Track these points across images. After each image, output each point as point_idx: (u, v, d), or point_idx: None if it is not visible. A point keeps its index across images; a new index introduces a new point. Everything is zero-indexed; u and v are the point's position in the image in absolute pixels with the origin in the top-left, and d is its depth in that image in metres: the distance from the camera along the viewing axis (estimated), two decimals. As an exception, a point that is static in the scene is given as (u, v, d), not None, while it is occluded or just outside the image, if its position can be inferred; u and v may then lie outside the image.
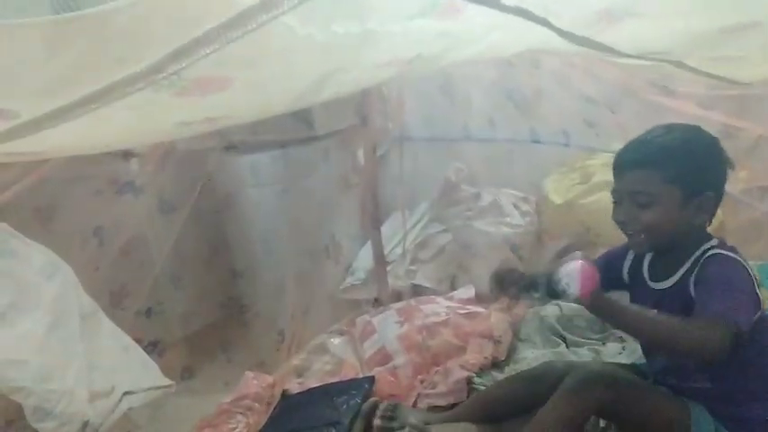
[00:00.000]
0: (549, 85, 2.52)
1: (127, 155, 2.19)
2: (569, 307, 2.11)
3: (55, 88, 0.80)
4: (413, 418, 1.57)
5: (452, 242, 2.73)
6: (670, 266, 1.32)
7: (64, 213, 2.05)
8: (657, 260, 1.38)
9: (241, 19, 0.72)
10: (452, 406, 1.72)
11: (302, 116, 2.34)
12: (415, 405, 1.78)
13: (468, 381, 1.82)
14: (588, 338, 2.04)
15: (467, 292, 2.42)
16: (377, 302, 2.55)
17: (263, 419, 1.85)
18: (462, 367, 1.87)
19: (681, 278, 1.30)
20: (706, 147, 1.28)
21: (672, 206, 1.25)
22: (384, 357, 2.02)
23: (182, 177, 2.32)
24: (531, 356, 1.95)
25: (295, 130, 2.39)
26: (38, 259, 1.59)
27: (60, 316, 1.56)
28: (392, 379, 1.92)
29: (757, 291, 1.22)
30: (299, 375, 2.10)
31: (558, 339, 2.07)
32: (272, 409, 1.89)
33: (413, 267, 2.70)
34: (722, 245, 1.29)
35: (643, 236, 1.28)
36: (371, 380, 1.89)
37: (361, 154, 2.57)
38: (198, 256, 2.61)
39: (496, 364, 1.95)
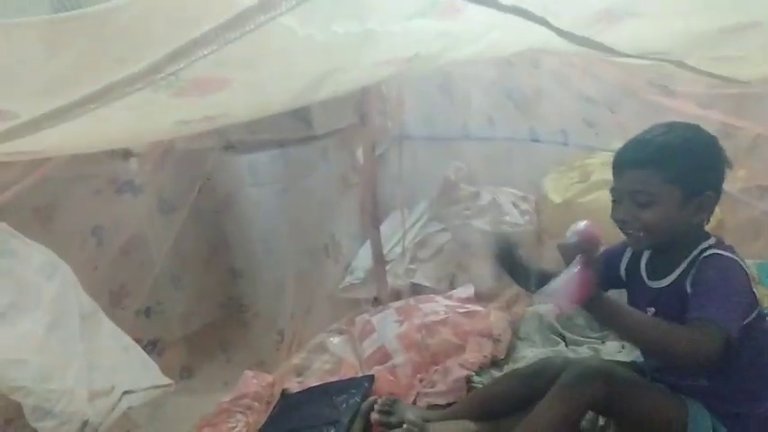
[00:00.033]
0: (549, 85, 2.52)
1: (126, 154, 2.19)
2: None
3: (54, 88, 0.80)
4: (411, 414, 1.57)
5: (451, 241, 2.73)
6: (667, 265, 1.33)
7: (63, 213, 2.05)
8: (655, 258, 1.38)
9: (239, 20, 0.72)
10: (451, 405, 1.72)
11: (301, 115, 2.34)
12: (414, 404, 1.78)
13: (468, 379, 1.82)
14: (587, 337, 2.04)
15: (466, 290, 2.42)
16: (376, 301, 2.55)
17: (263, 419, 1.85)
18: (461, 366, 1.88)
19: (678, 277, 1.30)
20: (706, 146, 1.28)
21: (671, 206, 1.25)
22: (383, 356, 2.02)
23: (181, 177, 2.32)
24: (531, 355, 1.95)
25: (294, 130, 2.39)
26: (37, 259, 1.59)
27: (60, 316, 1.56)
28: (391, 378, 1.92)
29: (754, 290, 1.23)
30: (299, 374, 2.10)
31: (557, 338, 2.07)
32: (271, 408, 1.89)
33: (412, 266, 2.70)
34: (720, 244, 1.29)
35: (642, 235, 1.28)
36: (371, 379, 1.89)
37: (360, 153, 2.57)
38: (197, 255, 2.61)
39: (496, 363, 1.95)
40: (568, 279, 1.18)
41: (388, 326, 2.13)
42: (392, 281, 2.62)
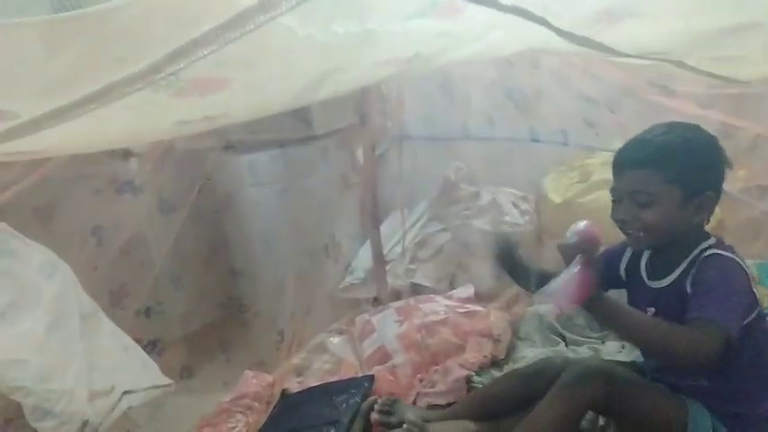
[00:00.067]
0: (549, 85, 2.52)
1: (126, 154, 2.19)
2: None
3: (54, 88, 0.80)
4: (410, 414, 1.57)
5: (451, 241, 2.73)
6: (667, 265, 1.33)
7: (63, 213, 2.05)
8: (655, 258, 1.38)
9: (239, 20, 0.72)
10: (451, 405, 1.72)
11: (301, 115, 2.34)
12: (414, 404, 1.78)
13: (468, 380, 1.82)
14: (587, 337, 2.04)
15: (466, 290, 2.42)
16: (376, 301, 2.55)
17: (263, 419, 1.85)
18: (462, 366, 1.88)
19: (678, 277, 1.30)
20: (706, 146, 1.28)
21: (672, 206, 1.25)
22: (383, 356, 2.02)
23: (181, 177, 2.32)
24: (531, 355, 1.95)
25: (294, 130, 2.39)
26: (37, 259, 1.59)
27: (60, 315, 1.56)
28: (391, 378, 1.92)
29: (754, 290, 1.23)
30: (299, 374, 2.10)
31: (557, 338, 2.07)
32: (271, 408, 1.89)
33: (412, 266, 2.70)
34: (720, 244, 1.29)
35: (642, 235, 1.28)
36: (371, 379, 1.89)
37: (360, 153, 2.57)
38: (197, 255, 2.61)
39: (496, 363, 1.95)
40: (568, 279, 1.18)
41: (388, 326, 2.13)
42: (392, 281, 2.62)
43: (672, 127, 1.29)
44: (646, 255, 1.42)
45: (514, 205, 2.78)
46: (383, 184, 2.69)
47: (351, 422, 1.66)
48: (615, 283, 1.48)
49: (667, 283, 1.32)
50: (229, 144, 2.39)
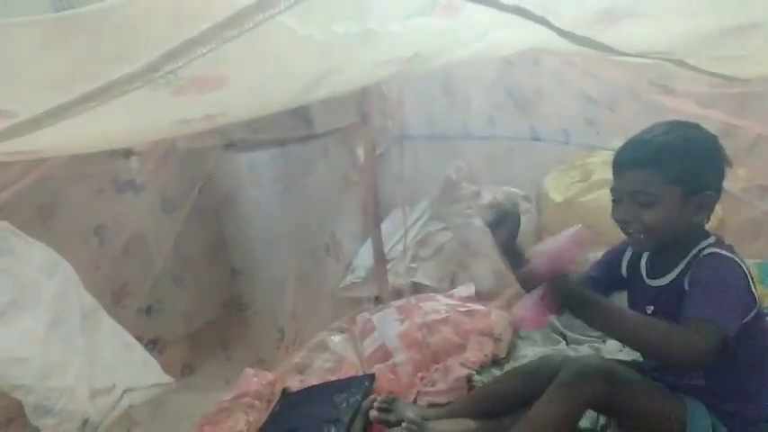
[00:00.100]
0: (549, 84, 2.52)
1: (127, 153, 2.20)
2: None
3: (53, 87, 0.80)
4: (410, 412, 1.57)
5: (452, 240, 2.73)
6: (667, 264, 1.33)
7: (65, 212, 2.06)
8: (655, 257, 1.38)
9: (237, 18, 0.72)
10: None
11: (301, 114, 2.34)
12: (414, 402, 1.78)
13: (468, 378, 1.82)
14: (588, 336, 2.04)
15: (467, 289, 2.42)
16: (377, 300, 2.56)
17: (264, 417, 1.85)
18: (462, 365, 1.88)
19: (677, 276, 1.30)
20: (706, 146, 1.27)
21: (672, 205, 1.24)
22: (384, 355, 2.03)
23: (182, 176, 2.33)
24: (532, 354, 1.95)
25: (294, 129, 2.39)
26: (38, 257, 1.59)
27: (61, 314, 1.56)
28: (392, 376, 1.93)
29: (753, 290, 1.22)
30: (300, 373, 2.10)
31: (558, 337, 2.08)
32: (272, 406, 1.90)
33: (413, 265, 2.70)
34: (719, 243, 1.29)
35: (643, 237, 1.28)
36: (372, 377, 1.89)
37: (360, 152, 2.57)
38: (198, 254, 2.62)
39: (496, 362, 1.95)
40: (530, 304, 1.21)
41: (388, 324, 2.13)
42: (393, 280, 2.62)
43: (672, 126, 1.29)
44: (646, 253, 1.42)
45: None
46: (384, 183, 2.70)
47: (351, 421, 1.66)
48: (617, 282, 1.48)
49: (667, 282, 1.32)
50: (230, 143, 2.39)
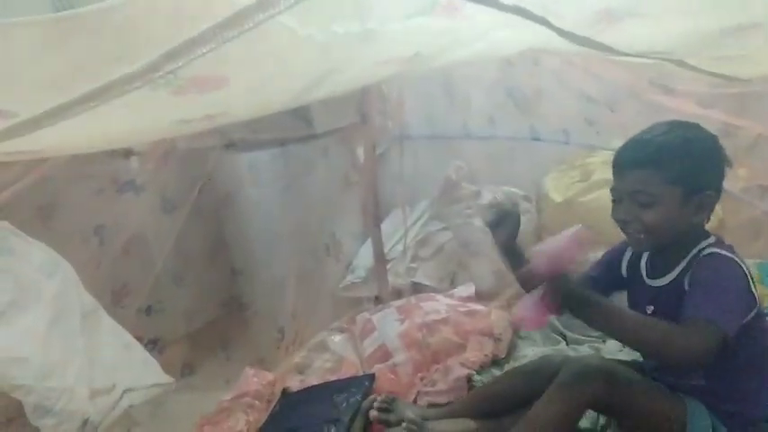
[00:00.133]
0: (549, 84, 2.52)
1: (127, 153, 2.20)
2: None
3: (53, 87, 0.80)
4: (410, 412, 1.57)
5: (452, 240, 2.73)
6: (667, 264, 1.33)
7: (65, 212, 2.06)
8: (655, 257, 1.38)
9: (237, 18, 0.72)
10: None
11: (301, 114, 2.33)
12: (414, 403, 1.78)
13: (468, 379, 1.82)
14: (588, 336, 2.04)
15: (467, 289, 2.42)
16: (377, 300, 2.56)
17: (264, 417, 1.85)
18: (462, 365, 1.88)
19: (677, 276, 1.30)
20: (706, 146, 1.27)
21: (672, 206, 1.24)
22: (384, 355, 2.03)
23: (182, 176, 2.33)
24: (532, 354, 1.95)
25: (294, 128, 2.39)
26: (38, 257, 1.59)
27: (61, 313, 1.56)
28: (392, 376, 1.93)
29: (752, 290, 1.22)
30: (300, 373, 2.10)
31: (558, 337, 2.08)
32: (272, 406, 1.90)
33: (413, 265, 2.70)
34: (719, 243, 1.29)
35: (643, 237, 1.28)
36: (372, 377, 1.89)
37: (360, 152, 2.57)
38: (198, 254, 2.62)
39: (497, 362, 1.95)
40: (530, 304, 1.21)
41: (388, 324, 2.13)
42: (393, 279, 2.62)
43: (672, 126, 1.29)
44: (646, 253, 1.42)
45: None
46: (384, 183, 2.70)
47: (351, 421, 1.66)
48: (617, 282, 1.48)
49: (666, 282, 1.32)
50: (230, 143, 2.39)
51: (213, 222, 2.59)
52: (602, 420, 1.53)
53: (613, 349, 1.90)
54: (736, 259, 1.24)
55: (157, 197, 2.31)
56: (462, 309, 2.17)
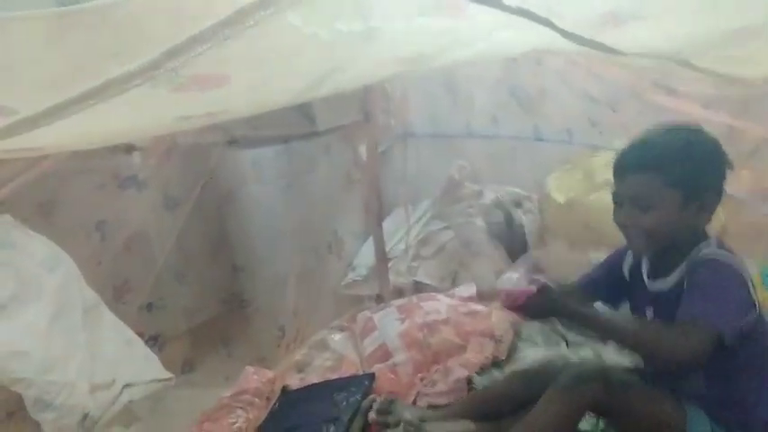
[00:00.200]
0: (553, 84, 2.52)
1: (129, 149, 2.19)
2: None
3: (53, 84, 0.80)
4: (408, 414, 1.57)
5: (454, 239, 2.73)
6: (667, 266, 1.32)
7: (66, 207, 2.06)
8: (656, 261, 1.38)
9: (239, 16, 0.72)
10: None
11: (304, 111, 2.33)
12: (414, 403, 1.78)
13: (468, 381, 1.82)
14: (589, 338, 2.04)
15: (468, 289, 2.42)
16: (378, 299, 2.56)
17: (263, 414, 1.85)
18: (463, 366, 1.87)
19: (677, 279, 1.29)
20: (707, 149, 1.27)
21: (673, 209, 1.24)
22: (384, 354, 2.02)
23: (185, 172, 2.33)
24: (532, 356, 1.94)
25: (297, 126, 2.38)
26: (40, 251, 1.60)
27: (62, 308, 1.57)
28: (392, 376, 1.92)
29: (751, 294, 1.21)
30: (300, 371, 2.10)
31: (559, 339, 2.07)
32: (271, 404, 1.90)
33: (414, 264, 2.70)
34: (719, 245, 1.29)
35: (644, 241, 1.28)
36: (371, 377, 1.89)
37: (363, 150, 2.57)
38: (200, 251, 2.62)
39: (497, 364, 1.94)
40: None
41: (389, 324, 2.13)
42: (394, 278, 2.62)
43: (672, 130, 1.28)
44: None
45: (518, 204, 2.78)
46: (386, 181, 2.70)
47: (351, 420, 1.66)
48: (619, 285, 1.47)
49: (666, 285, 1.32)
50: (233, 139, 2.39)
51: (215, 219, 2.59)
52: (601, 424, 1.52)
53: (614, 352, 1.90)
54: (735, 262, 1.24)
55: (160, 193, 2.31)
56: (463, 309, 2.16)
